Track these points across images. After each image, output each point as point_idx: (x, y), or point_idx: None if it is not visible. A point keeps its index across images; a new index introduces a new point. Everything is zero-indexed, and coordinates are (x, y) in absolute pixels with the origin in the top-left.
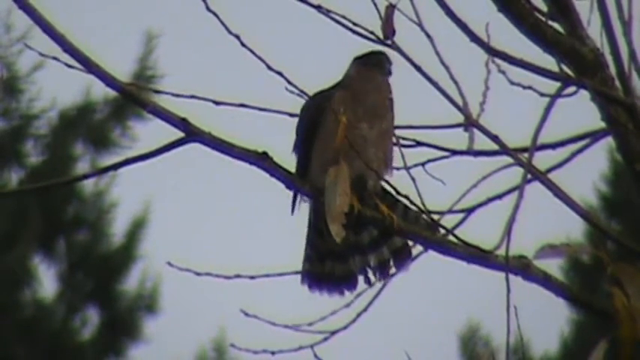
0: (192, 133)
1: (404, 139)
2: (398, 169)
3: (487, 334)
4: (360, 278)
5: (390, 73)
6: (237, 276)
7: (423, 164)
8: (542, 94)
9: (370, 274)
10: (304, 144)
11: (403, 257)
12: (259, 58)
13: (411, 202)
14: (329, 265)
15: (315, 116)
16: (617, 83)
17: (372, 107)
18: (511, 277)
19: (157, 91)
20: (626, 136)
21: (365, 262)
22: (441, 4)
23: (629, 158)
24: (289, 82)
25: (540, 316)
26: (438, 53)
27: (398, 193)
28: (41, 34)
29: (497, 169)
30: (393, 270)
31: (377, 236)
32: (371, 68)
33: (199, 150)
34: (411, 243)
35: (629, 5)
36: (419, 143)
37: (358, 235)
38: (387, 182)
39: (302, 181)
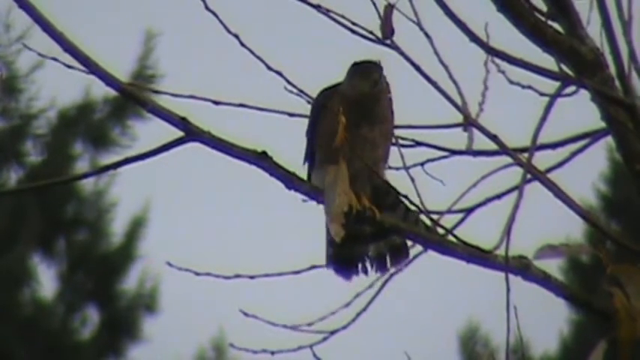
0: (191, 133)
1: (403, 138)
2: (397, 169)
3: (487, 334)
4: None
5: (375, 84)
6: (237, 276)
7: (422, 164)
8: (541, 94)
9: (368, 265)
10: (312, 142)
11: (400, 256)
12: (259, 57)
13: (411, 202)
14: (353, 248)
15: (318, 116)
16: (617, 83)
17: (370, 108)
18: (511, 277)
19: (157, 91)
20: (625, 136)
21: (365, 252)
22: (440, 4)
23: (629, 158)
24: (289, 82)
25: (540, 316)
26: (437, 53)
27: (397, 193)
28: (41, 33)
29: (496, 169)
30: (389, 266)
31: (375, 230)
32: (358, 82)
33: (199, 150)
34: (410, 243)
35: (629, 5)
36: (418, 143)
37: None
38: (387, 183)
39: (301, 180)
